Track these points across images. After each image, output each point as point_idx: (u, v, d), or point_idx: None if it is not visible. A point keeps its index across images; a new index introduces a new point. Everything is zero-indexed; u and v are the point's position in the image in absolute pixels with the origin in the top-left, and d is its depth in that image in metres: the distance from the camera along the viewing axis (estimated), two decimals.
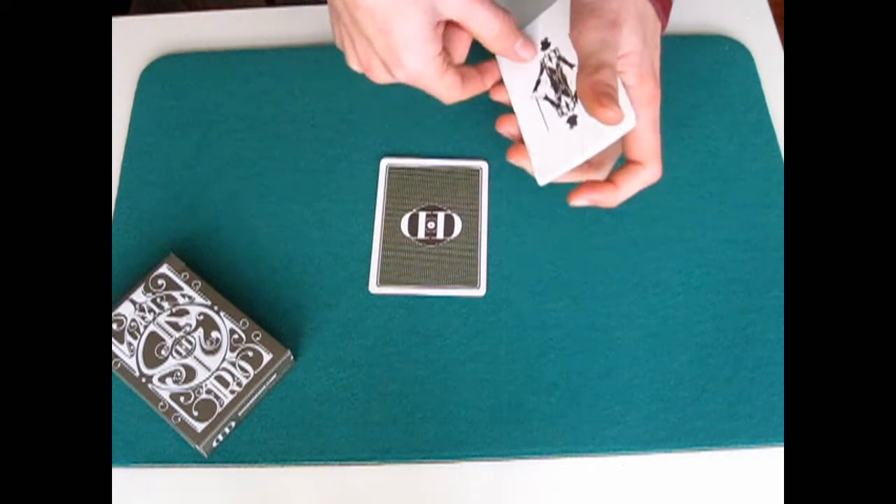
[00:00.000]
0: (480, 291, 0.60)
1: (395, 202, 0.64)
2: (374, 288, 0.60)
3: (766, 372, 0.57)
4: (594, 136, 0.50)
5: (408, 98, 0.69)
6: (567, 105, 0.51)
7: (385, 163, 0.65)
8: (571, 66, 0.51)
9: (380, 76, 0.52)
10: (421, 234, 0.62)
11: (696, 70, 0.69)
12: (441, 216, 0.63)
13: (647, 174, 0.51)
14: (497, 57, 0.55)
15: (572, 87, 0.51)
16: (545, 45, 0.53)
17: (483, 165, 0.65)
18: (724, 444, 0.55)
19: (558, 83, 0.52)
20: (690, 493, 0.54)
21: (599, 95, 0.48)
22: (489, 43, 0.51)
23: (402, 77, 0.51)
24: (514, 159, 0.55)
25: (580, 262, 0.61)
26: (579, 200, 0.53)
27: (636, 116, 0.50)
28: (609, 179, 0.52)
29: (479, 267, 0.61)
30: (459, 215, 0.63)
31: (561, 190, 0.64)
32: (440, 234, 0.62)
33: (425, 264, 0.61)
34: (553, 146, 0.52)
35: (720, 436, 0.55)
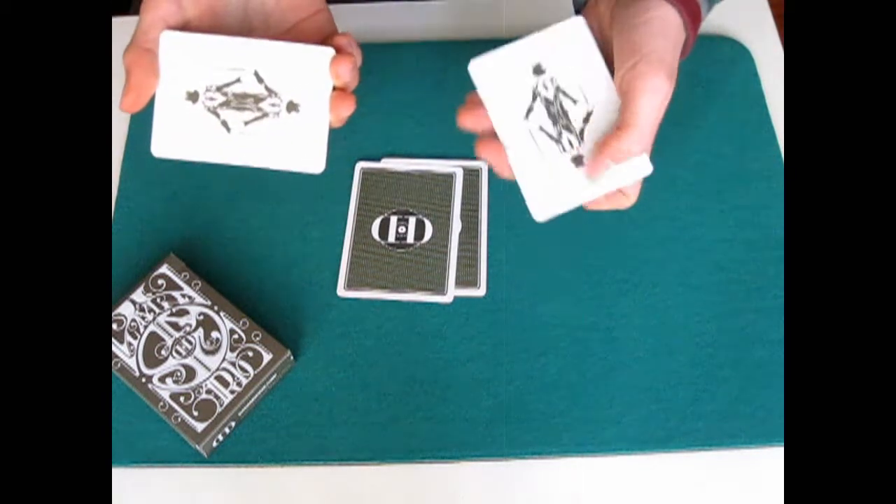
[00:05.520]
0: (480, 291, 0.60)
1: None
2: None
3: (766, 372, 0.57)
4: (606, 177, 0.48)
5: (411, 96, 0.69)
6: (570, 142, 0.48)
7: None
8: (575, 101, 0.48)
9: None
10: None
11: (696, 70, 0.69)
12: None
13: (625, 202, 0.50)
14: (472, 71, 0.48)
15: (576, 124, 0.48)
16: (538, 70, 0.49)
17: (483, 165, 0.65)
18: (724, 444, 0.55)
19: (557, 117, 0.48)
20: (690, 493, 0.54)
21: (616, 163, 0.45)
22: None
23: None
24: (486, 154, 0.49)
25: (580, 262, 0.61)
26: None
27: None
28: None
29: (479, 267, 0.61)
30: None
31: None
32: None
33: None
34: (554, 181, 0.48)
35: (720, 436, 0.55)
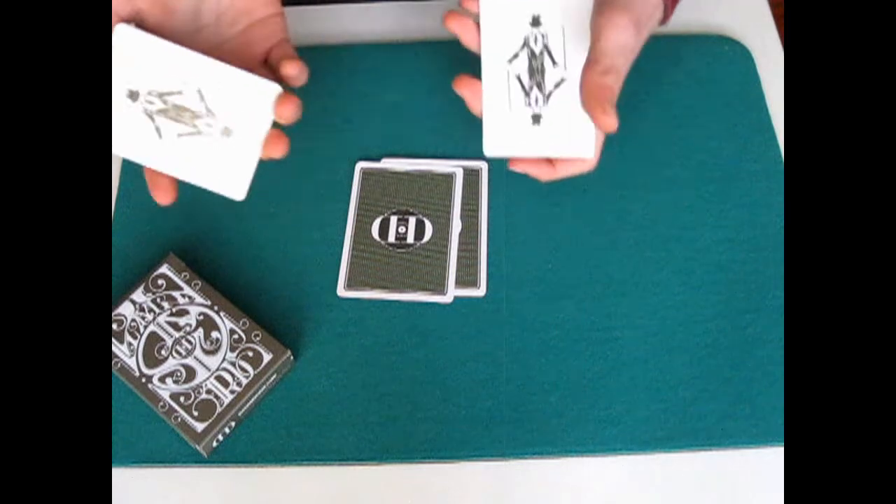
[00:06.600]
0: (480, 291, 0.60)
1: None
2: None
3: (766, 372, 0.57)
4: (551, 143, 0.52)
5: (411, 97, 0.69)
6: (536, 100, 0.51)
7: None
8: (555, 63, 0.50)
9: None
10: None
11: (696, 70, 0.69)
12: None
13: (584, 166, 0.54)
14: (482, 2, 0.51)
15: (548, 86, 0.51)
16: (535, 21, 0.51)
17: (483, 165, 0.65)
18: (724, 444, 0.55)
19: (535, 72, 0.51)
20: (690, 493, 0.54)
21: (604, 101, 0.47)
22: None
23: None
24: (464, 89, 0.52)
25: (580, 262, 0.61)
26: (517, 168, 0.56)
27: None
28: (549, 159, 0.54)
29: (479, 267, 0.61)
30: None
31: (561, 190, 0.64)
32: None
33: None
34: (510, 127, 0.52)
35: (720, 436, 0.55)
